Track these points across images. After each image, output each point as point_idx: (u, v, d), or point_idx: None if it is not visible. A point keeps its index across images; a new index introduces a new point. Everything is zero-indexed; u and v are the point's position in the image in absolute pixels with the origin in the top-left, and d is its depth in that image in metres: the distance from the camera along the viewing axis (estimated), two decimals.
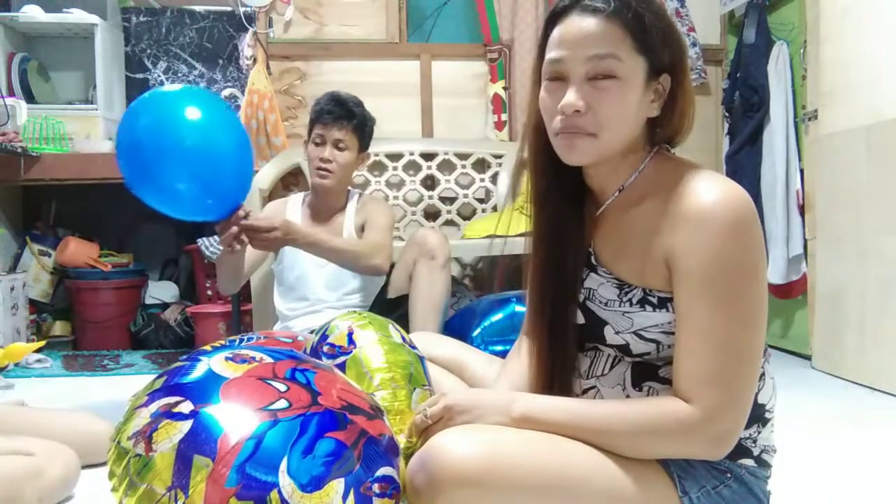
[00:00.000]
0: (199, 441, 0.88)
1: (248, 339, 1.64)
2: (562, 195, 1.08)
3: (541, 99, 1.02)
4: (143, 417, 0.93)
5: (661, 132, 1.04)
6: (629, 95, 0.97)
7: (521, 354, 1.18)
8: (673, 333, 0.98)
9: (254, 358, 1.02)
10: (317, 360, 1.09)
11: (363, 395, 1.05)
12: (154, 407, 0.93)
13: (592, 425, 0.95)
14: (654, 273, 0.98)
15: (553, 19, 1.01)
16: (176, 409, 0.91)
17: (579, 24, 0.97)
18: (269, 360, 1.02)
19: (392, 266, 2.37)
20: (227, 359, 1.01)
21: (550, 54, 1.00)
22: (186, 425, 0.89)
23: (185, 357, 1.05)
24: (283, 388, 0.96)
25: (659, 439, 0.94)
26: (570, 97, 0.97)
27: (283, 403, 0.93)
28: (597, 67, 0.96)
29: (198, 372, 0.98)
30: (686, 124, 1.05)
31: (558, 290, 1.08)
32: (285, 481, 0.87)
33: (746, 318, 0.92)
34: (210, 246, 3.20)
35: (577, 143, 0.98)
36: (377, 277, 2.39)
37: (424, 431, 1.02)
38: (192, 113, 1.60)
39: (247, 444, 0.88)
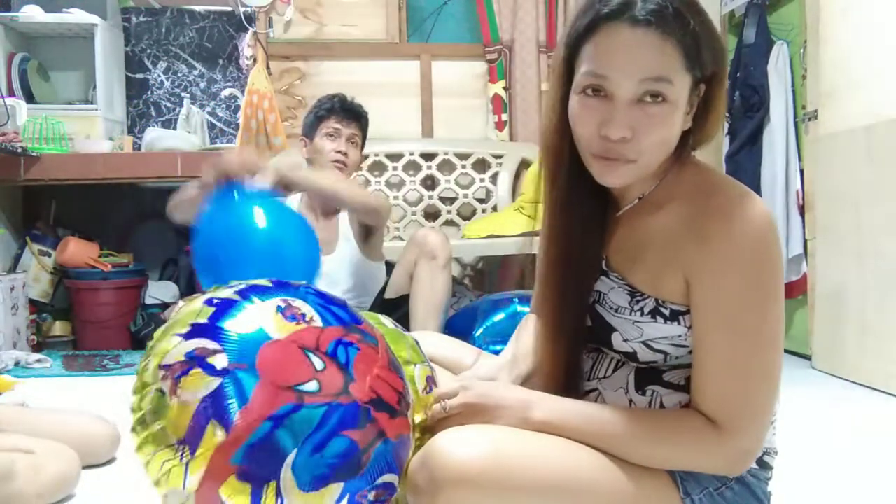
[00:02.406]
0: (221, 407, 0.87)
1: None
2: (578, 199, 1.05)
3: (573, 111, 0.95)
4: (178, 352, 0.91)
5: (693, 140, 0.99)
6: (675, 118, 0.92)
7: (530, 329, 1.18)
8: (683, 346, 0.97)
9: (304, 316, 0.97)
10: (366, 329, 1.04)
11: (396, 385, 1.00)
12: (192, 346, 0.91)
13: (615, 431, 0.94)
14: (671, 285, 0.95)
15: (594, 25, 0.91)
16: (210, 360, 0.89)
17: (631, 38, 0.88)
18: (318, 322, 0.97)
19: (392, 266, 2.38)
20: (278, 309, 0.97)
21: (593, 67, 0.91)
22: (214, 383, 0.88)
23: (238, 290, 1.00)
24: (320, 365, 0.92)
25: (679, 452, 0.93)
26: (618, 125, 0.89)
27: (313, 386, 0.90)
28: (648, 90, 0.89)
29: (244, 320, 0.94)
30: (715, 132, 1.00)
31: (569, 292, 1.07)
32: (286, 475, 0.86)
33: (767, 339, 0.92)
34: None
35: (617, 168, 0.93)
36: (376, 277, 2.40)
37: (439, 422, 1.00)
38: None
39: (264, 425, 0.87)
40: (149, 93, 3.74)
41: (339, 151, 2.33)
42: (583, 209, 1.05)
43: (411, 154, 3.57)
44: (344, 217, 2.43)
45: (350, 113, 2.37)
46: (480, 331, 2.24)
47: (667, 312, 0.96)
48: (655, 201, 1.00)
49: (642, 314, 0.98)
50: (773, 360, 0.93)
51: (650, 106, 0.89)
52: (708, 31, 0.92)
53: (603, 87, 0.90)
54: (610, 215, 1.06)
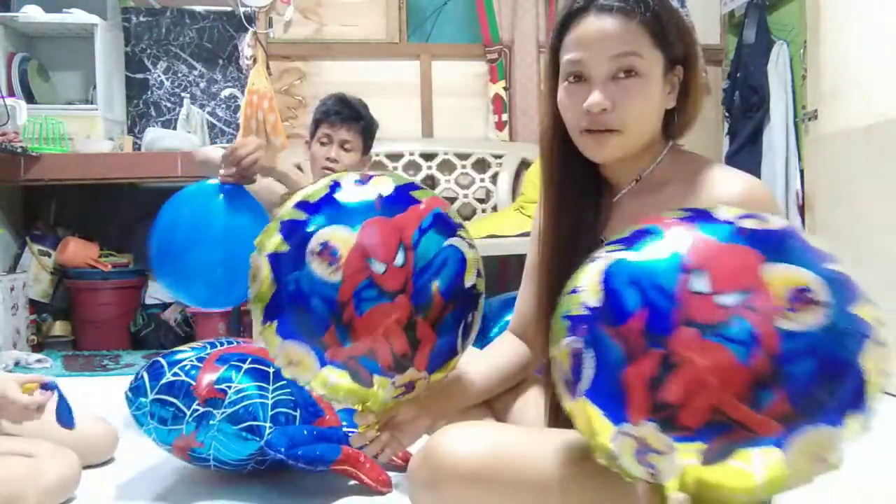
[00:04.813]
0: None
1: (230, 344, 1.62)
2: (578, 191, 1.09)
3: (560, 100, 1.03)
4: None
5: (677, 121, 1.06)
6: (651, 90, 0.99)
7: (506, 344, 1.21)
8: None
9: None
10: None
11: None
12: None
13: None
14: None
15: (568, 20, 1.02)
16: None
17: (598, 24, 0.98)
18: None
19: None
20: None
21: (569, 56, 1.01)
22: None
23: None
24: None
25: None
26: (596, 97, 0.97)
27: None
28: (619, 66, 0.97)
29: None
30: (697, 113, 1.07)
31: (566, 278, 1.08)
32: None
33: None
34: None
35: (603, 140, 1.00)
36: None
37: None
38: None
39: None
40: (149, 93, 3.74)
41: (328, 158, 2.27)
42: (577, 195, 1.08)
43: (411, 154, 3.57)
44: None
45: (341, 116, 2.27)
46: (496, 329, 2.25)
47: None
48: (652, 184, 1.04)
49: None
50: None
51: (624, 81, 0.98)
52: (669, 11, 1.00)
53: (581, 72, 1.00)
54: (606, 201, 1.09)
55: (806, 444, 0.71)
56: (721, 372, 0.69)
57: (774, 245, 0.75)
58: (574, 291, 0.82)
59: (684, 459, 0.71)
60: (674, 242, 0.77)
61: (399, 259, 0.93)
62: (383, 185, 1.00)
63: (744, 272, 0.72)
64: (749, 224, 0.77)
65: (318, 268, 0.92)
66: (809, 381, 0.69)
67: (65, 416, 1.48)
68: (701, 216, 0.80)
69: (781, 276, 0.72)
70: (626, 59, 0.97)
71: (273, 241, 0.96)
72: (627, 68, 0.97)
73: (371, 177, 1.01)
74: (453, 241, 0.99)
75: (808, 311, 0.71)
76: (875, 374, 0.72)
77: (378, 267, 0.92)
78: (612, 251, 0.81)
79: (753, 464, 0.70)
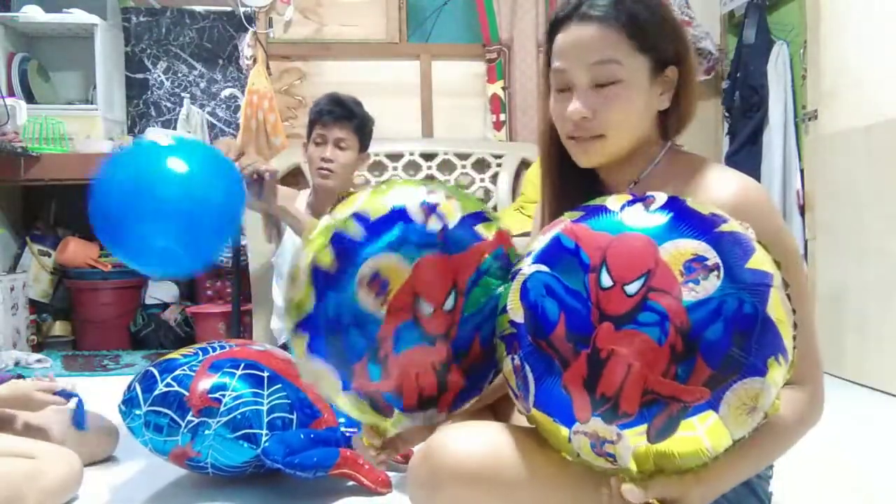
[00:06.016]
0: None
1: (222, 349, 1.61)
2: (577, 193, 1.08)
3: (551, 108, 1.05)
4: None
5: (674, 121, 1.06)
6: (634, 96, 0.99)
7: None
8: None
9: None
10: None
11: None
12: None
13: (760, 460, 0.93)
14: None
15: (555, 28, 1.02)
16: None
17: (577, 32, 0.99)
18: None
19: None
20: None
21: (554, 64, 1.02)
22: None
23: None
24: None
25: (802, 431, 0.97)
26: (576, 105, 0.99)
27: None
28: (599, 74, 0.98)
29: None
30: (692, 112, 1.06)
31: None
32: None
33: (801, 291, 0.94)
34: None
35: (588, 147, 1.01)
36: None
37: None
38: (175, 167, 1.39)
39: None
40: (149, 93, 3.74)
41: (323, 158, 2.25)
42: (576, 197, 1.07)
43: (411, 154, 3.57)
44: None
45: (335, 115, 2.26)
46: None
47: None
48: (650, 186, 1.03)
49: None
50: (810, 310, 0.97)
51: (606, 88, 0.98)
52: (653, 12, 1.00)
53: (564, 80, 1.01)
54: None
55: (736, 399, 0.74)
56: (642, 356, 0.74)
57: (664, 223, 0.79)
58: (503, 311, 0.86)
59: (634, 443, 0.76)
60: (574, 245, 0.82)
61: (449, 303, 0.89)
62: (450, 215, 0.92)
63: (642, 257, 0.77)
64: (636, 209, 0.82)
65: (364, 298, 0.87)
66: (722, 342, 0.73)
67: (79, 418, 1.59)
68: (591, 213, 0.85)
69: (676, 251, 0.76)
70: (604, 66, 0.97)
71: (321, 249, 0.90)
72: (607, 77, 0.97)
73: (439, 200, 0.93)
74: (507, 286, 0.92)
75: (706, 278, 0.75)
76: (783, 316, 0.77)
77: (426, 308, 0.88)
78: (527, 265, 0.85)
79: (697, 430, 0.75)
